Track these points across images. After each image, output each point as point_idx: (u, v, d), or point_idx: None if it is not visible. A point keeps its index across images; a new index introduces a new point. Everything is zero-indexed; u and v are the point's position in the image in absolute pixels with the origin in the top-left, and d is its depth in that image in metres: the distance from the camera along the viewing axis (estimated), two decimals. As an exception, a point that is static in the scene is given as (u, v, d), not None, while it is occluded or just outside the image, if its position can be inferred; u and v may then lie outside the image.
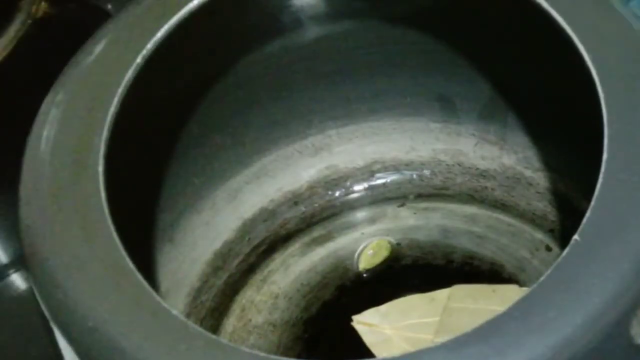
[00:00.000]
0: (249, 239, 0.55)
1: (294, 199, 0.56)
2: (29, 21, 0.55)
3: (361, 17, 0.52)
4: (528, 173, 0.54)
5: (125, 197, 0.39)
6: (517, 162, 0.54)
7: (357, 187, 0.57)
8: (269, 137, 0.55)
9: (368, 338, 0.49)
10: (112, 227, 0.36)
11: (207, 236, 0.53)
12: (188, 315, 0.50)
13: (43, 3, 0.57)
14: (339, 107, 0.56)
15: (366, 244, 0.55)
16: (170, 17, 0.42)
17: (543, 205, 0.54)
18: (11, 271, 0.58)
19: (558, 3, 0.39)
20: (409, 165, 0.57)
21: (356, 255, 0.54)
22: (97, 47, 0.43)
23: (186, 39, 0.43)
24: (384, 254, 0.54)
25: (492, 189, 0.55)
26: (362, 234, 0.55)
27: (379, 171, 0.57)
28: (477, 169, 0.56)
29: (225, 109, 0.53)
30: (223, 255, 0.54)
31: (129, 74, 0.41)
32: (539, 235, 0.53)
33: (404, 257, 0.54)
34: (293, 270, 0.54)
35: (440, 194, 0.56)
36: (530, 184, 0.54)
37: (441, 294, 0.49)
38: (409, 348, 0.47)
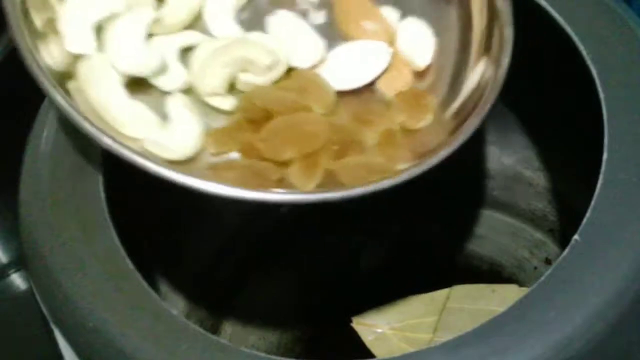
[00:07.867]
0: (250, 238, 0.55)
1: None
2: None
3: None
4: (528, 173, 0.54)
5: (125, 197, 0.39)
6: (517, 162, 0.54)
7: None
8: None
9: (368, 338, 0.49)
10: (112, 227, 0.36)
11: (207, 236, 0.53)
12: (188, 316, 0.50)
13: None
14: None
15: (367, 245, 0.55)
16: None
17: (543, 205, 0.54)
18: (11, 271, 0.58)
19: (559, 4, 0.39)
20: None
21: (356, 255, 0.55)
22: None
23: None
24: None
25: (492, 189, 0.55)
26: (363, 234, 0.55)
27: None
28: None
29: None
30: (223, 255, 0.54)
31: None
32: (539, 235, 0.53)
33: (404, 257, 0.54)
34: (293, 270, 0.54)
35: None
36: (530, 184, 0.54)
37: (441, 294, 0.49)
38: (408, 348, 0.47)
